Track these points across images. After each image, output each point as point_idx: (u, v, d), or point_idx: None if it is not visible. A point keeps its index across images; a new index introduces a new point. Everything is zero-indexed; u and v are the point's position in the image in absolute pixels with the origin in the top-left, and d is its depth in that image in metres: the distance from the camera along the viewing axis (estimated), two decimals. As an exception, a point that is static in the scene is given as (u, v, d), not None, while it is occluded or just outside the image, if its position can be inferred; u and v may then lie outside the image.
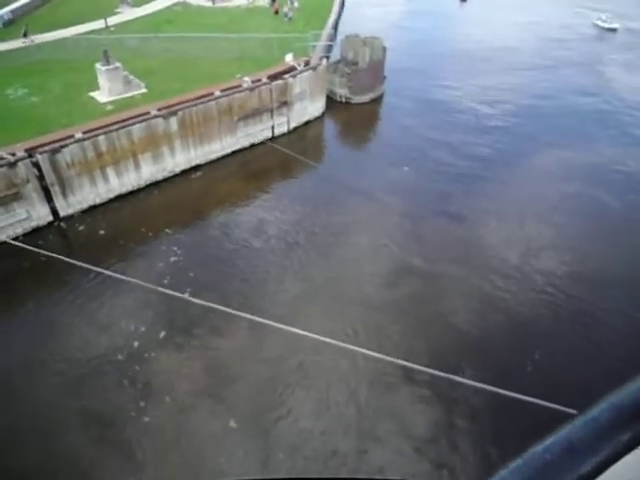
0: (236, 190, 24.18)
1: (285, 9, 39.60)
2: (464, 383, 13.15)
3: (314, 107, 29.71)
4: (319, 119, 30.36)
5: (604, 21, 49.02)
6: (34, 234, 21.02)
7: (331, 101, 31.42)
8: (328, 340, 13.12)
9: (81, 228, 21.74)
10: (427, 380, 14.50)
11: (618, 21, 48.69)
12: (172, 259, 19.82)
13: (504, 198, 23.98)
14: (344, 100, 32.03)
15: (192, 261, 19.81)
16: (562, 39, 45.44)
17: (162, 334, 16.56)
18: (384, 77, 33.47)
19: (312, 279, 19.01)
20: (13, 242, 18.23)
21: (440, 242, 20.85)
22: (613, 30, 48.34)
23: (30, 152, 20.65)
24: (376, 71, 32.36)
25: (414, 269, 19.43)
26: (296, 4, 40.71)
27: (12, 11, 38.19)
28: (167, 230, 21.57)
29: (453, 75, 37.00)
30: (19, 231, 20.85)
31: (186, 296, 16.55)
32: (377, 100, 32.89)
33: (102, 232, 21.43)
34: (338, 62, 32.21)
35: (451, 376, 11.65)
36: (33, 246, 17.77)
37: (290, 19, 38.44)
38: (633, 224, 22.23)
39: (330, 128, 31.14)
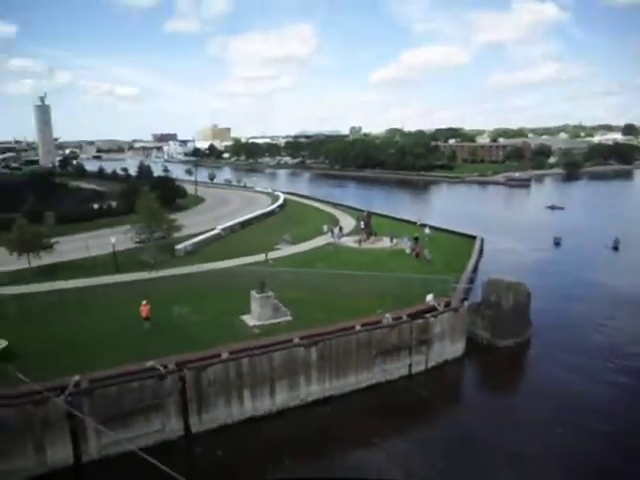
0: (365, 429, 22.50)
1: (425, 252, 42.21)
2: None
3: (454, 348, 28.75)
4: (458, 360, 29.00)
5: None
6: (162, 447, 20.87)
7: (471, 343, 30.25)
8: None
9: (207, 448, 21.24)
10: None
11: None
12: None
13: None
14: (485, 343, 30.71)
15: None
16: None
17: None
18: (529, 322, 32.08)
19: None
20: (140, 453, 17.58)
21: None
22: None
23: (180, 366, 21.96)
24: (520, 315, 31.25)
25: None
26: (409, 243, 45.09)
27: (194, 244, 45.93)
28: (287, 462, 20.23)
29: (611, 322, 34.12)
30: (150, 442, 20.79)
31: None
32: (522, 345, 30.92)
33: (229, 454, 20.74)
34: (479, 304, 31.97)
35: None
36: (159, 461, 17.27)
37: (429, 261, 40.58)
38: None
39: (470, 371, 29.35)
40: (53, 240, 39.20)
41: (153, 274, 36.60)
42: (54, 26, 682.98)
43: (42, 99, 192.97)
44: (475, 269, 42.05)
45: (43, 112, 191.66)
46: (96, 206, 66.49)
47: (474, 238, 51.43)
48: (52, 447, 19.56)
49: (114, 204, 66.56)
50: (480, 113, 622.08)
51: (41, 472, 19.43)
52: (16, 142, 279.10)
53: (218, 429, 22.44)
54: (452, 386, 27.91)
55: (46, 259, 38.39)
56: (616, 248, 55.33)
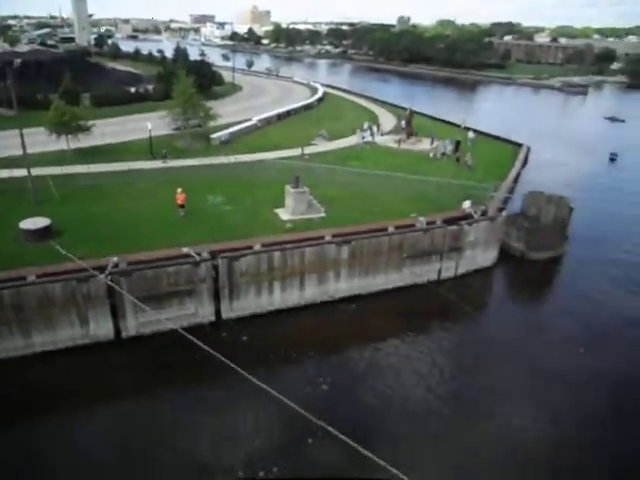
0: (389, 328, 23.22)
1: (467, 157, 40.52)
2: None
3: (485, 257, 28.46)
4: (489, 270, 28.85)
5: None
6: (195, 330, 22.00)
7: (505, 254, 29.87)
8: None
9: (235, 333, 22.28)
10: None
11: None
12: (320, 386, 19.17)
13: None
14: (519, 254, 30.26)
15: (337, 393, 18.93)
16: None
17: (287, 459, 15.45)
18: (566, 237, 31.23)
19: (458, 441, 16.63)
20: (182, 332, 18.37)
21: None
22: None
23: (213, 255, 22.47)
24: (558, 230, 30.37)
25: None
26: (450, 146, 43.52)
27: (230, 134, 45.17)
28: (311, 353, 21.23)
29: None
30: (184, 324, 21.87)
31: (325, 425, 15.27)
32: (556, 260, 30.43)
33: (255, 341, 21.79)
34: (517, 215, 31.07)
35: None
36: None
37: (470, 167, 39.08)
38: None
39: (499, 281, 29.33)
40: (90, 123, 39.06)
41: (167, 163, 36.93)
42: None
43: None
44: (517, 179, 40.40)
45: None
46: (132, 90, 65.32)
47: (520, 146, 48.93)
48: (95, 321, 20.84)
49: (150, 88, 65.19)
50: (546, 7, 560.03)
51: (86, 342, 20.93)
52: (51, 17, 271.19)
53: (248, 317, 23.37)
54: (479, 294, 27.95)
55: (84, 142, 38.58)
56: None
